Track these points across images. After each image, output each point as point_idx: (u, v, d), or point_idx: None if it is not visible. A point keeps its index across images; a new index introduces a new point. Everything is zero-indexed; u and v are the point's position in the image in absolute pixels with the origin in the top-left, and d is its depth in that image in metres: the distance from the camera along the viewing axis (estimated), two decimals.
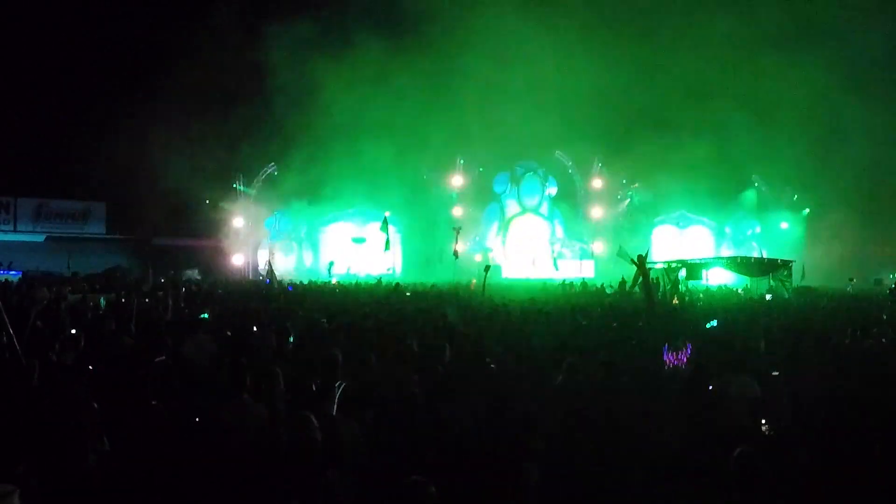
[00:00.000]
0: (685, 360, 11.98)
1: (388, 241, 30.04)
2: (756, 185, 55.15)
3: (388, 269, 46.70)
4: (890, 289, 21.01)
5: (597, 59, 44.84)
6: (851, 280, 41.12)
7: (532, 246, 52.52)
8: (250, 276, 48.48)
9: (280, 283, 33.81)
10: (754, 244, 51.81)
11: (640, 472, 7.01)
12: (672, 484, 6.73)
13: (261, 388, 8.25)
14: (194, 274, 44.57)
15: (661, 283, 32.86)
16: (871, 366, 10.81)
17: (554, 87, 46.58)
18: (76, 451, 6.48)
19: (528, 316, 18.14)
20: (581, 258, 52.04)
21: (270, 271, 39.13)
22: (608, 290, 33.41)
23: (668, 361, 11.96)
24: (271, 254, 51.63)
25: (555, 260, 48.76)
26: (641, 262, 22.60)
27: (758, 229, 54.24)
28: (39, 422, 6.91)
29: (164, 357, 10.17)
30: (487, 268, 24.71)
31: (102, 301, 19.19)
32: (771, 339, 13.44)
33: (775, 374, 10.51)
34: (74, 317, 14.91)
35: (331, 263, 46.76)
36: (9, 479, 4.97)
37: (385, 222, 30.72)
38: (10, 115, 44.77)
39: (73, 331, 12.04)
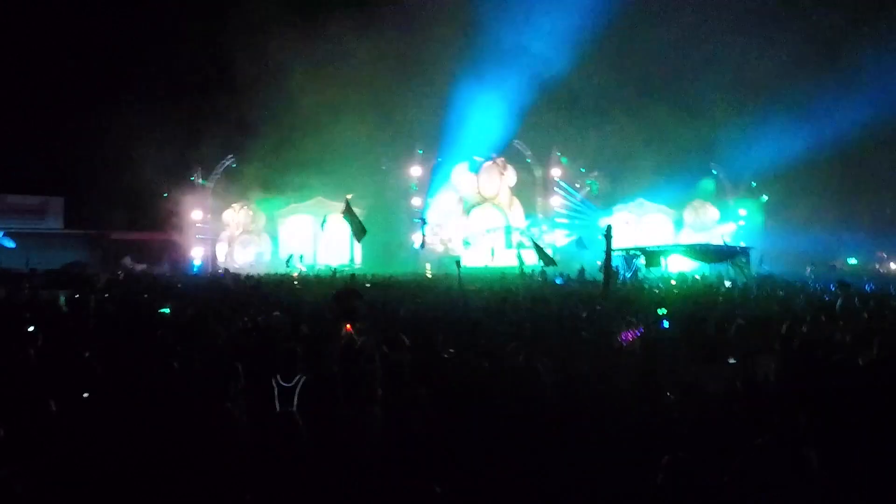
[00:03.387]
0: (634, 337, 12.25)
1: (355, 226, 29.78)
2: (714, 172, 55.70)
3: (346, 261, 46.81)
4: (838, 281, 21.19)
5: (554, 47, 45.05)
6: (811, 266, 41.65)
7: (491, 236, 52.68)
8: (209, 270, 48.26)
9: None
10: (721, 232, 52.08)
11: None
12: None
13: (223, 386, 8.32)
14: (136, 267, 44.29)
15: (621, 270, 33.27)
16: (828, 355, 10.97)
17: (512, 77, 46.71)
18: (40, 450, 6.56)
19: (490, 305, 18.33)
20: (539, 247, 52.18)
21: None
22: (559, 281, 33.69)
23: (622, 340, 12.23)
24: (230, 246, 51.58)
25: (518, 251, 49.00)
26: (608, 241, 23.05)
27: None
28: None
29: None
30: (458, 262, 24.83)
31: (62, 298, 19.08)
32: (727, 327, 13.63)
33: (732, 361, 10.69)
34: (33, 314, 14.86)
35: (290, 256, 46.62)
36: None
37: (348, 206, 30.45)
38: None
39: (31, 328, 12.02)
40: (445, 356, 10.77)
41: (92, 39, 48.34)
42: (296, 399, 8.21)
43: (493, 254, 47.44)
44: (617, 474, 6.92)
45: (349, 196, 31.28)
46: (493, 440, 7.79)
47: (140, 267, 44.56)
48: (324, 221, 42.41)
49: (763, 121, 46.02)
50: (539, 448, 7.67)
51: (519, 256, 35.53)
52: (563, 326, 14.40)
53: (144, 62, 42.65)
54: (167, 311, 16.56)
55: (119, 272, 37.10)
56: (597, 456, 7.44)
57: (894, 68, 43.26)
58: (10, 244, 43.36)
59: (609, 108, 47.48)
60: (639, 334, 12.21)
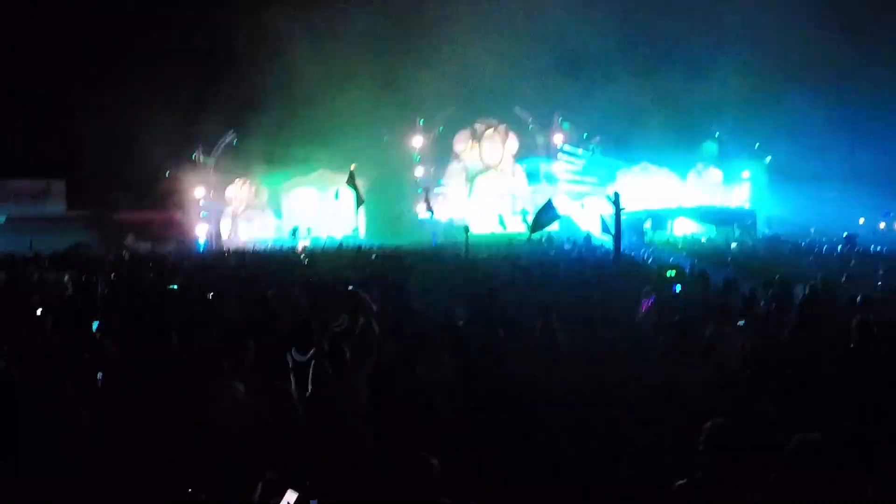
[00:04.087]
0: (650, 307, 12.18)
1: (358, 198, 29.43)
2: (717, 134, 55.32)
3: (352, 231, 46.62)
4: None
5: (555, 11, 44.74)
6: (813, 228, 41.50)
7: (497, 203, 52.43)
8: (214, 247, 48.17)
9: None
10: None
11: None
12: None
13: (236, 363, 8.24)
14: (140, 246, 44.22)
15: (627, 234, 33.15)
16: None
17: (513, 43, 46.37)
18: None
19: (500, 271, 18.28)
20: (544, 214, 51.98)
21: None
22: (567, 246, 33.60)
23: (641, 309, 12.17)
24: (234, 222, 51.55)
25: (523, 215, 48.78)
26: (616, 206, 22.92)
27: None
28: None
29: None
30: (467, 230, 24.76)
31: (68, 280, 18.96)
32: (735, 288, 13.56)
33: (741, 323, 10.61)
34: (41, 296, 14.78)
35: (295, 228, 46.47)
36: None
37: (352, 176, 30.12)
38: None
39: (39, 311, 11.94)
40: (460, 324, 10.69)
41: (90, 18, 48.11)
42: (311, 373, 8.10)
43: (501, 221, 47.19)
44: (644, 441, 6.84)
45: (353, 165, 31.11)
46: (508, 413, 7.72)
47: (144, 246, 44.46)
48: (337, 193, 42.36)
49: (767, 80, 45.68)
50: (553, 419, 7.60)
51: (525, 222, 35.37)
52: (575, 293, 14.33)
53: (142, 40, 42.42)
54: (174, 287, 16.49)
55: (124, 252, 37.00)
56: (618, 427, 7.36)
57: None
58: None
59: (611, 72, 47.08)
60: (653, 301, 12.16)
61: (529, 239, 31.14)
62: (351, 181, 30.50)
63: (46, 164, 51.58)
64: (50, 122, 43.75)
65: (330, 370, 7.85)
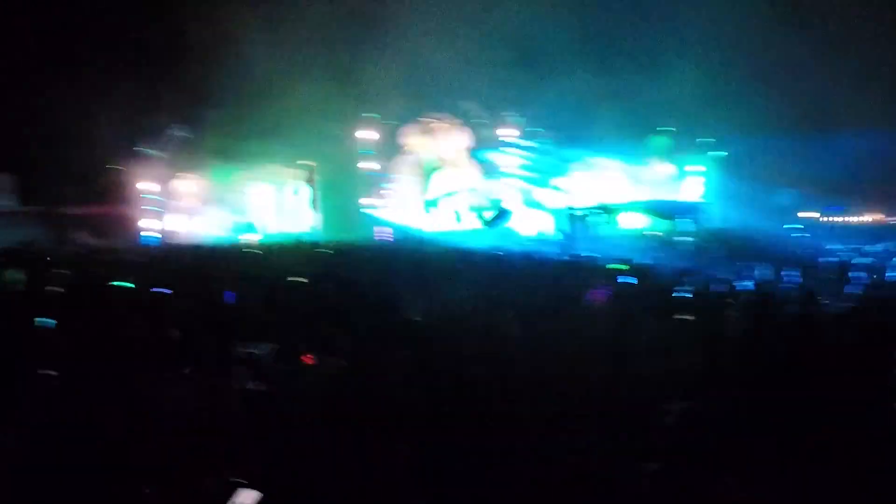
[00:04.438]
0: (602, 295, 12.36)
1: (313, 196, 29.63)
2: (670, 128, 55.55)
3: (306, 229, 46.49)
4: None
5: (506, 4, 44.95)
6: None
7: (451, 199, 52.50)
8: (164, 242, 47.76)
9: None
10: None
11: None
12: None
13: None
14: (89, 241, 43.75)
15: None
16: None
17: (464, 37, 46.46)
18: None
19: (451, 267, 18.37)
20: (497, 209, 52.20)
21: None
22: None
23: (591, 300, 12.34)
24: (183, 217, 51.14)
25: (479, 212, 48.93)
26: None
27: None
28: None
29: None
30: (421, 226, 24.86)
31: (18, 276, 18.75)
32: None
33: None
34: None
35: (248, 225, 46.23)
36: None
37: (312, 174, 30.24)
38: None
39: None
40: (416, 319, 10.78)
41: (37, 10, 47.42)
42: (263, 369, 8.13)
43: (458, 217, 47.36)
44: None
45: (314, 163, 31.08)
46: (463, 402, 7.79)
47: (93, 241, 43.95)
48: (296, 190, 42.26)
49: (722, 76, 46.01)
50: (510, 407, 7.69)
51: (481, 218, 35.52)
52: (525, 284, 14.47)
53: (92, 31, 41.85)
54: (125, 284, 16.37)
55: (74, 248, 36.66)
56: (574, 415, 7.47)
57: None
58: None
59: (564, 66, 47.27)
60: (607, 293, 12.34)
61: (484, 233, 31.29)
62: (309, 180, 30.58)
63: None
64: None
65: (284, 367, 7.91)
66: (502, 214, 24.23)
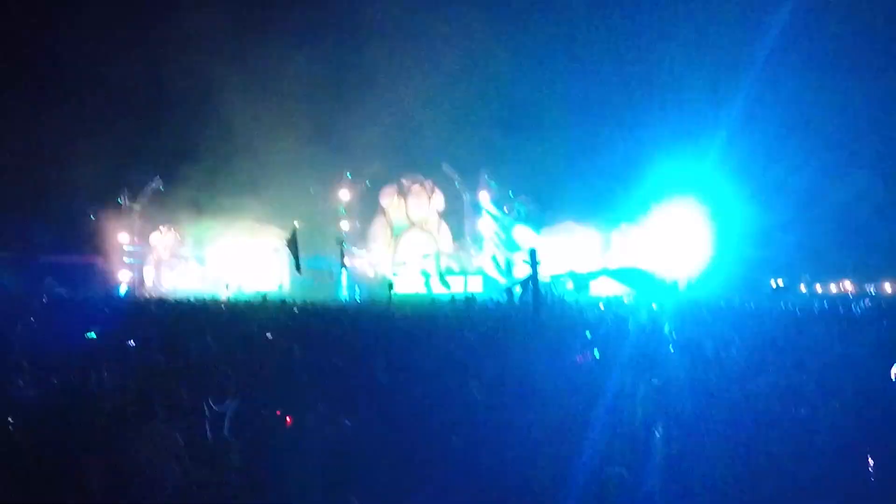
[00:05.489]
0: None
1: (296, 258, 29.44)
2: (643, 193, 55.34)
3: (275, 287, 46.38)
4: None
5: (484, 69, 45.58)
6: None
7: (420, 261, 52.55)
8: (136, 294, 47.56)
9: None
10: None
11: None
12: None
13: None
14: (59, 290, 43.48)
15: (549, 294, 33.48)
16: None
17: (442, 100, 47.02)
18: None
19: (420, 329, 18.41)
20: (468, 273, 52.16)
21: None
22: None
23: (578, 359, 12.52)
24: (157, 270, 50.98)
25: (442, 275, 48.98)
26: (533, 265, 23.11)
27: None
28: None
29: None
30: (391, 285, 24.92)
31: None
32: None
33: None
34: None
35: (216, 281, 46.19)
36: None
37: (294, 234, 30.11)
38: None
39: None
40: (381, 380, 10.83)
41: (19, 59, 47.61)
42: (227, 423, 8.18)
43: (427, 279, 47.46)
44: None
45: (297, 223, 31.11)
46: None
47: (63, 290, 43.64)
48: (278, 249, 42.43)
49: (695, 141, 46.16)
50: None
51: (444, 283, 35.56)
52: (494, 352, 14.52)
53: (73, 83, 42.08)
54: (92, 335, 16.31)
55: (43, 296, 36.38)
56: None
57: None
58: None
59: (537, 132, 47.95)
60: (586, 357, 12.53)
61: (453, 299, 31.32)
62: (292, 240, 30.53)
63: None
64: None
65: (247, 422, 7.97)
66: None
